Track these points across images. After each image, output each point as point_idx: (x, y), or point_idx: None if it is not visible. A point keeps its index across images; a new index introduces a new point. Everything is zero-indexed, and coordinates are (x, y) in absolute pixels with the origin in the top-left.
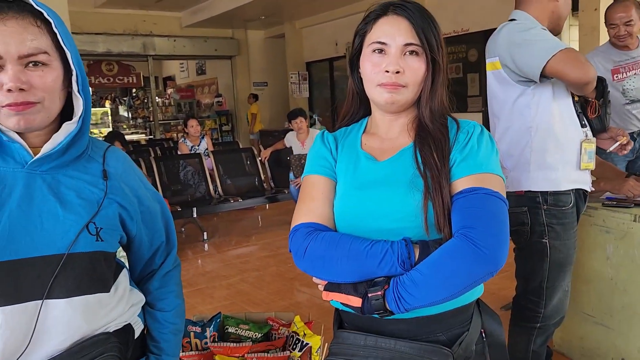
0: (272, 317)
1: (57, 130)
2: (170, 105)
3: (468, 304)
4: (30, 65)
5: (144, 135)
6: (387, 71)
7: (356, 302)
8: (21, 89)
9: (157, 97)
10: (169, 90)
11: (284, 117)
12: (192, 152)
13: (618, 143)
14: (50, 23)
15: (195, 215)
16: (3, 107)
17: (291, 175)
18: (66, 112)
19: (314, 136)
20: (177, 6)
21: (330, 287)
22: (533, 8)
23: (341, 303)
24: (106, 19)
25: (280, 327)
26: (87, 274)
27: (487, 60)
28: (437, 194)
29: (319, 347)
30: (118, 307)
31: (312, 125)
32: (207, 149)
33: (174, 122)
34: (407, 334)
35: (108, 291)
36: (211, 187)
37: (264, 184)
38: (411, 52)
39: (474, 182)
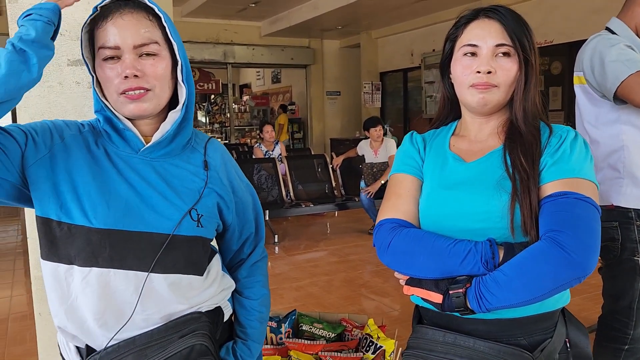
0: (346, 319)
1: (163, 120)
2: (245, 112)
3: (553, 311)
4: (144, 55)
5: (220, 139)
6: (479, 72)
7: (437, 298)
8: (135, 76)
9: (233, 104)
10: (245, 97)
11: (355, 126)
12: (267, 156)
13: None
14: (160, 18)
15: (267, 218)
16: (120, 94)
17: (362, 183)
18: (173, 104)
19: (388, 145)
20: (258, 16)
21: (411, 282)
22: (629, 16)
23: (422, 298)
24: (190, 28)
25: (354, 329)
26: (184, 256)
27: (575, 74)
28: (526, 196)
29: (392, 351)
30: (210, 289)
31: (384, 135)
32: (280, 154)
33: (248, 128)
34: (487, 335)
35: (201, 275)
36: (283, 192)
37: (335, 191)
38: (503, 54)
39: (565, 187)
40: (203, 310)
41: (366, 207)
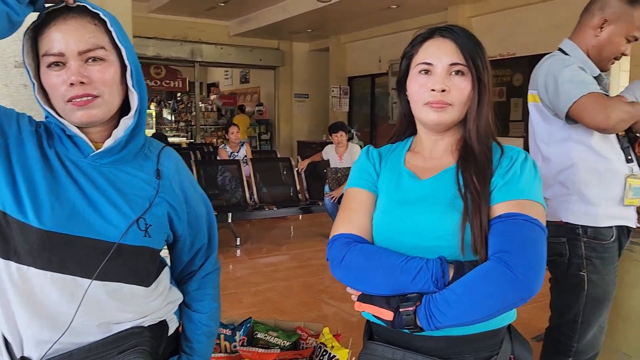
0: (301, 327)
1: (115, 127)
2: (212, 111)
3: (499, 329)
4: (90, 60)
5: (185, 138)
6: (433, 90)
7: (388, 315)
8: (82, 83)
9: (200, 103)
10: (212, 97)
11: (322, 129)
12: (231, 158)
13: None
14: (107, 22)
15: (230, 221)
16: (67, 102)
17: (326, 187)
18: (125, 110)
19: (353, 150)
20: (226, 15)
21: (363, 298)
22: (579, 39)
23: (373, 315)
24: (158, 24)
25: (309, 337)
26: (129, 266)
27: (529, 91)
28: (476, 216)
29: None
30: (155, 301)
31: (350, 139)
32: (245, 156)
33: (214, 127)
34: (435, 352)
35: (146, 286)
36: (247, 194)
37: (299, 195)
38: (457, 72)
39: (514, 208)
40: (146, 325)
41: (330, 212)
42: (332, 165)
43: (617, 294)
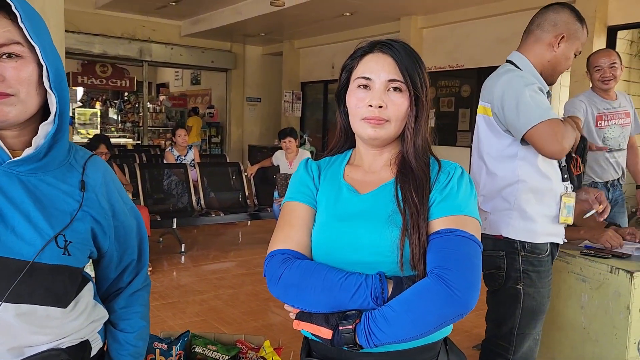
0: (242, 340)
1: (35, 132)
2: (161, 112)
3: (435, 342)
4: (4, 57)
5: (131, 140)
6: (371, 105)
7: (327, 333)
8: None
9: (148, 103)
10: (162, 97)
11: (274, 134)
12: (179, 161)
13: (593, 211)
14: (17, 17)
15: (174, 226)
16: None
17: (276, 194)
18: (47, 115)
19: (303, 156)
20: (178, 15)
21: (301, 317)
22: (532, 54)
23: (311, 333)
24: (105, 21)
25: (249, 351)
26: (44, 286)
27: (480, 103)
28: (415, 232)
29: None
30: (75, 321)
31: (302, 145)
32: (193, 159)
33: (163, 129)
34: None
35: (63, 307)
36: (194, 199)
37: (248, 200)
38: (395, 89)
39: (452, 224)
40: (64, 346)
41: (278, 218)
42: (282, 171)
43: (554, 305)
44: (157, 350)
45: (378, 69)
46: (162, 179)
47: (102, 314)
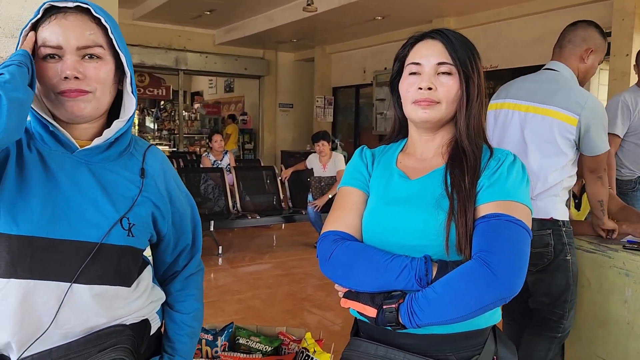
0: (284, 332)
1: (104, 126)
2: (196, 120)
3: (482, 329)
4: (87, 57)
5: (167, 147)
6: (421, 88)
7: (371, 312)
8: (76, 78)
9: (184, 111)
10: (196, 105)
11: (306, 139)
12: (215, 166)
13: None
14: (108, 30)
15: (212, 229)
16: (58, 93)
17: (309, 197)
18: (112, 110)
19: (336, 159)
20: (212, 24)
21: (349, 295)
22: (570, 63)
23: (357, 312)
24: (142, 32)
25: (291, 343)
26: (112, 266)
27: (559, 110)
28: (461, 216)
29: None
30: (137, 301)
31: (333, 150)
32: (229, 164)
33: (198, 136)
34: (417, 350)
35: (129, 286)
36: (230, 202)
37: (282, 204)
38: (444, 72)
39: (498, 209)
40: (127, 323)
41: (313, 221)
42: (315, 174)
43: (595, 300)
44: (204, 341)
45: (428, 54)
46: (199, 183)
47: (160, 295)
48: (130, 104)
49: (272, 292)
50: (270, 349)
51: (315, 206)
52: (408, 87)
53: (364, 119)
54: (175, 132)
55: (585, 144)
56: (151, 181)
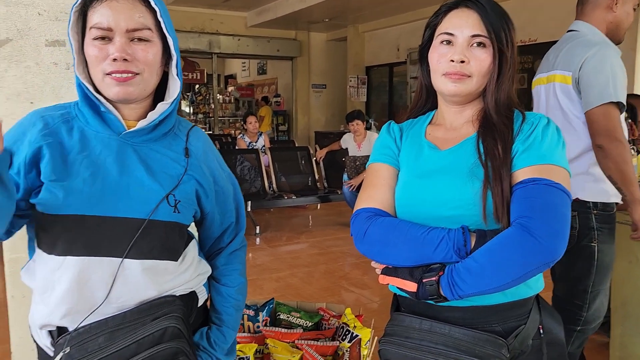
0: (323, 308)
1: (149, 107)
2: (230, 103)
3: (526, 298)
4: (135, 39)
5: (203, 130)
6: (452, 60)
7: (411, 286)
8: (125, 60)
9: (218, 94)
10: (230, 88)
11: (339, 119)
12: (250, 148)
13: None
14: (157, 12)
15: (249, 209)
16: (107, 74)
17: (345, 176)
18: (158, 93)
19: (371, 139)
20: (244, 6)
21: (387, 271)
22: (593, 19)
23: (397, 287)
24: (176, 16)
25: (331, 318)
26: (160, 242)
27: (557, 72)
28: (497, 183)
29: (369, 340)
30: (185, 274)
31: (368, 129)
32: (264, 145)
33: (232, 119)
34: (462, 322)
35: (176, 260)
36: (266, 183)
37: (318, 184)
38: (478, 44)
39: (536, 173)
40: (177, 294)
41: (348, 200)
42: (350, 154)
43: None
44: (245, 316)
45: (461, 25)
46: (235, 165)
47: (206, 268)
48: (175, 86)
49: (309, 270)
50: (310, 324)
51: (351, 186)
52: (439, 58)
53: (397, 98)
54: (210, 115)
55: (585, 97)
56: (195, 160)
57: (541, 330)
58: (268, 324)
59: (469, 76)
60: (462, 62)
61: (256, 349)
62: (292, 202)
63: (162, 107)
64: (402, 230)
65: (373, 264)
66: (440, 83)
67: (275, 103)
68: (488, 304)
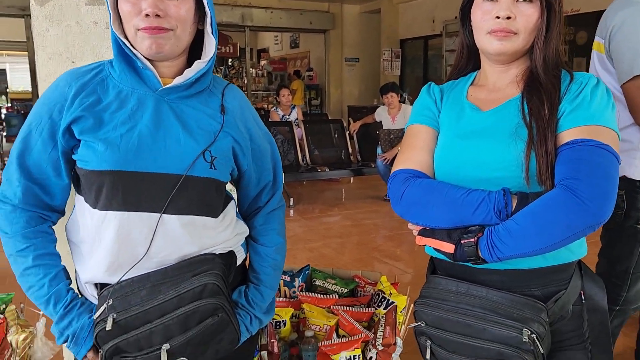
0: (359, 275)
1: (184, 65)
2: (262, 77)
3: (568, 263)
4: None
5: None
6: (498, 17)
7: (449, 248)
8: (157, 15)
9: (251, 68)
10: (263, 62)
11: (373, 93)
12: (283, 120)
13: None
14: None
15: (283, 181)
16: (139, 30)
17: (379, 149)
18: (193, 51)
19: (406, 111)
20: None
21: (424, 233)
22: None
23: (434, 249)
24: None
25: (366, 285)
26: (198, 197)
27: (596, 38)
28: (542, 144)
29: (405, 307)
30: (224, 233)
31: (401, 103)
32: (297, 118)
33: (265, 93)
34: (500, 285)
35: (215, 217)
36: (299, 156)
37: (351, 157)
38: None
39: (583, 134)
40: (217, 253)
41: (382, 174)
42: (384, 127)
43: None
44: (282, 281)
45: None
46: None
47: (244, 228)
48: (210, 44)
49: (342, 241)
50: (346, 290)
51: (385, 159)
52: (483, 15)
53: (432, 72)
54: (243, 89)
55: (616, 67)
56: (231, 117)
57: (582, 297)
58: (304, 290)
59: (515, 33)
60: (508, 18)
61: (292, 314)
62: (326, 175)
63: (198, 65)
64: (441, 191)
65: (410, 225)
66: (485, 42)
67: (308, 77)
68: (527, 268)
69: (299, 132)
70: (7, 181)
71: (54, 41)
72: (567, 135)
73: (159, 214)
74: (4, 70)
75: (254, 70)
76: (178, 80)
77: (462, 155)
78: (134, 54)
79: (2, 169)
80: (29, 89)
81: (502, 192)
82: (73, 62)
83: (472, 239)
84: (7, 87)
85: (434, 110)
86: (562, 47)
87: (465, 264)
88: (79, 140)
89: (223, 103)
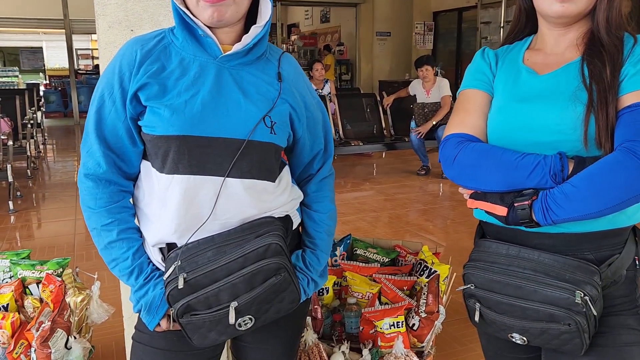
0: (400, 245)
1: (242, 31)
2: (293, 52)
3: (623, 228)
4: None
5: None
6: None
7: (501, 211)
8: None
9: (282, 44)
10: (293, 37)
11: (404, 68)
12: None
13: None
14: None
15: None
16: (200, 0)
17: (413, 123)
18: (249, 17)
19: (441, 85)
20: None
21: (476, 196)
22: None
23: (485, 212)
24: None
25: (407, 255)
26: (259, 161)
27: None
28: (602, 107)
29: (447, 276)
30: (281, 197)
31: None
32: (330, 92)
33: None
34: (552, 249)
35: (273, 181)
36: (333, 130)
37: (384, 131)
38: None
39: None
40: (275, 217)
41: (416, 148)
42: (418, 101)
43: None
44: None
45: None
46: None
47: (299, 194)
48: (266, 9)
49: (376, 215)
50: (387, 260)
51: (419, 133)
52: None
53: (466, 45)
54: None
55: None
56: (287, 85)
57: (637, 262)
58: (345, 259)
59: None
60: None
61: (334, 281)
62: (359, 149)
63: (255, 30)
64: (495, 155)
65: (460, 189)
66: (545, 4)
67: (339, 52)
68: (580, 231)
69: (332, 106)
70: (87, 153)
71: (114, 9)
72: (629, 98)
73: (223, 178)
74: (41, 48)
75: (284, 45)
76: (237, 47)
77: (518, 118)
78: (195, 23)
79: (43, 144)
80: (66, 65)
81: (558, 156)
82: (132, 30)
83: (526, 202)
84: (44, 65)
85: (489, 75)
86: (624, 6)
87: (517, 227)
88: (145, 107)
89: (279, 70)
